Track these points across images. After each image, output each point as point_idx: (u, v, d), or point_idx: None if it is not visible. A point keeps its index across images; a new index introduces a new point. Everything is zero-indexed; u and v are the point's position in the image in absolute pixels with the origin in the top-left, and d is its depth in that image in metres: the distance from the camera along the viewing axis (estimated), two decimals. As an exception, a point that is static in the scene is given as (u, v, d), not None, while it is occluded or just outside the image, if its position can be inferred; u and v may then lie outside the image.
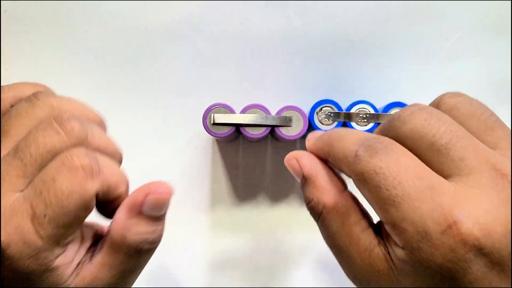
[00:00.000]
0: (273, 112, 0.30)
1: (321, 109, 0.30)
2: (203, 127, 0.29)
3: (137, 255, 0.21)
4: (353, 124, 0.30)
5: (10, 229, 0.18)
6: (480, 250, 0.17)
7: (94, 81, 0.36)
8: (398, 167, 0.18)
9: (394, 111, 0.30)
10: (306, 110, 0.30)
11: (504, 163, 0.18)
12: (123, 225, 0.20)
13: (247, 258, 0.36)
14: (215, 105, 0.29)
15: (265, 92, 0.36)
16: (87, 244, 0.21)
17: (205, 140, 0.36)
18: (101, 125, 0.24)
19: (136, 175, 0.35)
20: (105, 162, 0.21)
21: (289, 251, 0.36)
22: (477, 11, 0.36)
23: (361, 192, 0.20)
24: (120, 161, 0.24)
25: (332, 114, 0.30)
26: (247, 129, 0.29)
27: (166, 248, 0.36)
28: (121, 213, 0.21)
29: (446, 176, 0.18)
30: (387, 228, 0.19)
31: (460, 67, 0.36)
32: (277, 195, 0.36)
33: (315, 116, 0.30)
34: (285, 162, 0.23)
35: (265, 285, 0.36)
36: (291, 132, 0.30)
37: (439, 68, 0.36)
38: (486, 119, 0.21)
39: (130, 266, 0.22)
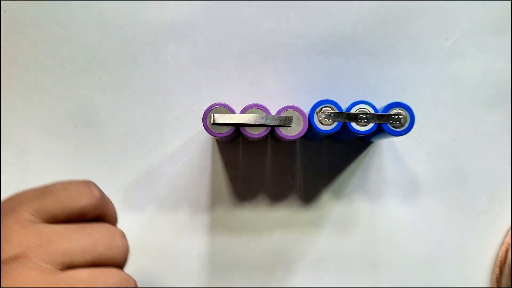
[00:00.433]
0: (273, 112, 0.30)
1: (321, 109, 0.30)
2: (203, 127, 0.29)
3: None
4: (353, 124, 0.30)
5: None
6: None
7: (94, 81, 0.36)
8: None
9: (394, 111, 0.30)
10: (306, 110, 0.30)
11: None
12: None
13: (247, 258, 0.36)
14: (215, 105, 0.29)
15: (265, 92, 0.36)
16: None
17: (205, 140, 0.36)
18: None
19: (136, 175, 0.36)
20: None
21: (289, 251, 0.36)
22: (477, 11, 0.36)
23: None
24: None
25: (332, 114, 0.29)
26: (247, 129, 0.29)
27: (166, 248, 0.36)
28: None
29: None
30: None
31: (460, 67, 0.36)
32: (277, 195, 0.36)
33: (315, 116, 0.30)
34: None
35: (265, 285, 0.36)
36: (291, 132, 0.29)
37: (439, 68, 0.36)
38: None
39: None
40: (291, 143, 0.36)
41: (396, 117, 0.30)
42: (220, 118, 0.29)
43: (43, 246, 0.20)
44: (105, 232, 0.23)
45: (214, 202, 0.36)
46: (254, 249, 0.36)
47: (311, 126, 0.30)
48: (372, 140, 0.36)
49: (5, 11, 0.36)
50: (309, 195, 0.36)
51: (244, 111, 0.30)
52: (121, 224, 0.35)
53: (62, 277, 0.20)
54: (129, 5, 0.36)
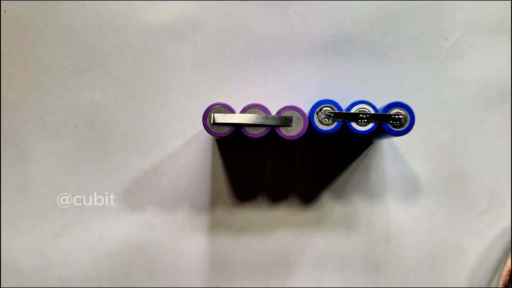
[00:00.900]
0: (273, 112, 0.30)
1: (321, 109, 0.30)
2: (203, 127, 0.29)
3: None
4: (353, 124, 0.30)
5: None
6: None
7: (94, 81, 0.36)
8: None
9: (394, 111, 0.30)
10: (306, 110, 0.30)
11: None
12: None
13: (247, 258, 0.36)
14: (215, 105, 0.29)
15: (265, 92, 0.36)
16: None
17: (205, 140, 0.36)
18: None
19: (136, 175, 0.36)
20: None
21: (289, 251, 0.36)
22: (477, 11, 0.36)
23: None
24: None
25: (332, 114, 0.29)
26: (247, 129, 0.29)
27: (165, 248, 0.36)
28: None
29: None
30: None
31: (460, 67, 0.36)
32: (277, 195, 0.36)
33: (315, 116, 0.30)
34: None
35: (265, 285, 0.36)
36: (291, 132, 0.29)
37: (439, 68, 0.36)
38: None
39: None
40: (291, 143, 0.36)
41: (396, 117, 0.30)
42: (220, 118, 0.29)
43: None
44: None
45: (214, 202, 0.36)
46: (254, 249, 0.36)
47: (311, 126, 0.30)
48: (372, 140, 0.36)
49: (5, 11, 0.36)
50: (309, 195, 0.36)
51: (244, 111, 0.30)
52: (121, 224, 0.35)
53: None
54: (129, 5, 0.36)
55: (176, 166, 0.36)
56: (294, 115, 0.30)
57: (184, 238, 0.36)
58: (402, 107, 0.30)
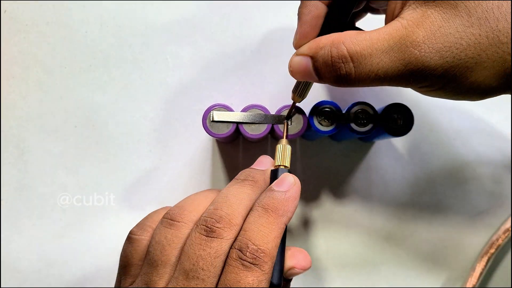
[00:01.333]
0: (273, 113, 0.30)
1: (320, 109, 0.30)
2: (203, 127, 0.29)
3: None
4: (352, 124, 0.30)
5: None
6: None
7: (94, 81, 0.36)
8: None
9: (393, 111, 0.30)
10: (306, 110, 0.30)
11: None
12: None
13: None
14: (214, 105, 0.29)
15: (264, 92, 0.36)
16: None
17: (205, 140, 0.36)
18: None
19: (137, 175, 0.36)
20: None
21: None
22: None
23: None
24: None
25: (331, 115, 0.29)
26: (247, 129, 0.29)
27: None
28: None
29: None
30: None
31: (460, 67, 0.36)
32: (277, 195, 0.36)
33: (315, 117, 0.30)
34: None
35: (265, 285, 0.36)
36: (291, 131, 0.30)
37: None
38: None
39: None
40: (291, 142, 0.36)
41: (396, 117, 0.30)
42: (219, 116, 0.29)
43: None
44: None
45: (214, 202, 0.36)
46: (254, 249, 0.36)
47: (310, 127, 0.30)
48: (372, 140, 0.36)
49: (5, 11, 0.36)
50: (309, 195, 0.36)
51: (243, 111, 0.30)
52: (121, 224, 0.35)
53: None
54: (129, 5, 0.36)
55: (176, 166, 0.36)
56: (294, 114, 0.30)
57: (184, 238, 0.36)
58: (401, 108, 0.30)
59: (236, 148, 0.36)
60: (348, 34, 0.23)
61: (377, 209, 0.36)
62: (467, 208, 0.36)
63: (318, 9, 0.25)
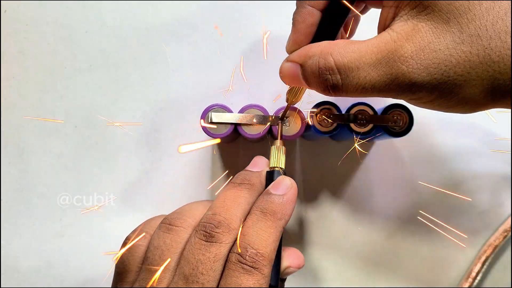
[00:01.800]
0: (272, 113, 0.30)
1: (320, 110, 0.30)
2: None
3: None
4: (352, 125, 0.29)
5: None
6: None
7: (94, 81, 0.36)
8: None
9: (393, 112, 0.30)
10: (306, 111, 0.30)
11: None
12: None
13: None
14: (213, 105, 0.29)
15: (264, 93, 0.36)
16: None
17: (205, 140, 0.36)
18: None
19: (137, 175, 0.36)
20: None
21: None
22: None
23: None
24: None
25: (331, 115, 0.29)
26: (245, 129, 0.29)
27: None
28: None
29: None
30: None
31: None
32: (276, 195, 0.36)
33: (315, 118, 0.29)
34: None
35: (265, 285, 0.36)
36: (289, 132, 0.29)
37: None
38: None
39: None
40: (291, 143, 0.36)
41: (396, 118, 0.30)
42: (217, 117, 0.29)
43: None
44: None
45: (213, 202, 0.36)
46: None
47: (310, 127, 0.30)
48: (372, 140, 0.36)
49: (5, 11, 0.36)
50: (309, 195, 0.36)
51: (242, 111, 0.30)
52: (121, 224, 0.35)
53: None
54: (129, 5, 0.36)
55: (176, 166, 0.36)
56: (292, 115, 0.30)
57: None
58: (402, 109, 0.30)
59: (236, 148, 0.36)
60: (337, 45, 0.23)
61: (377, 209, 0.36)
62: (466, 208, 0.36)
63: (313, 17, 0.25)
